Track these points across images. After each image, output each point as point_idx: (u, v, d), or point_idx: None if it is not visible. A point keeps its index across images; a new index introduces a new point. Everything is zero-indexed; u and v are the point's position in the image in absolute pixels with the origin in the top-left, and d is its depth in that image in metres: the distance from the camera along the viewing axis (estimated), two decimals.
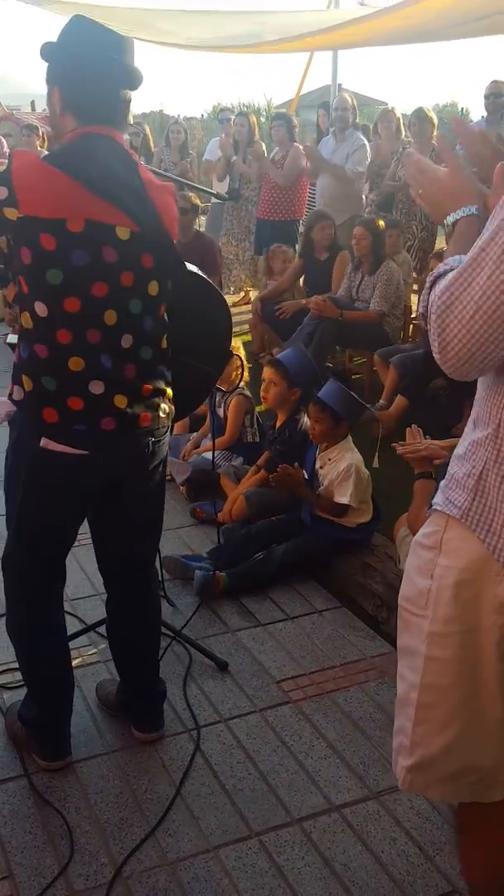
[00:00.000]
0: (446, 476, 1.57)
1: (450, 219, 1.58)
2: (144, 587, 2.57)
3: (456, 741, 1.56)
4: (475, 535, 1.47)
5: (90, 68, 2.09)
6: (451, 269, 1.43)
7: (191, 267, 2.43)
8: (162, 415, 2.28)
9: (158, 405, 2.26)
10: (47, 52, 2.13)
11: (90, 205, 2.01)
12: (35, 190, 1.97)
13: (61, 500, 2.28)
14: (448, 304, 1.36)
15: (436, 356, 1.42)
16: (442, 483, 1.58)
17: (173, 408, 2.33)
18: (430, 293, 1.45)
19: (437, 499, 1.57)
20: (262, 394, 4.07)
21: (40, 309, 2.05)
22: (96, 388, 2.12)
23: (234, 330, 2.73)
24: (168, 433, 2.36)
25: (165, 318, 2.27)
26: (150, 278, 2.16)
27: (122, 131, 2.18)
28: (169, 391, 2.30)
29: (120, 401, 2.16)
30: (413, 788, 1.65)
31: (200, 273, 2.48)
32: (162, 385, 2.27)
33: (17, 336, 2.19)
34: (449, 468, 1.57)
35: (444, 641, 1.52)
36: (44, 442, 2.14)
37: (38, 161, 2.04)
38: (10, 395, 2.19)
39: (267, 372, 4.03)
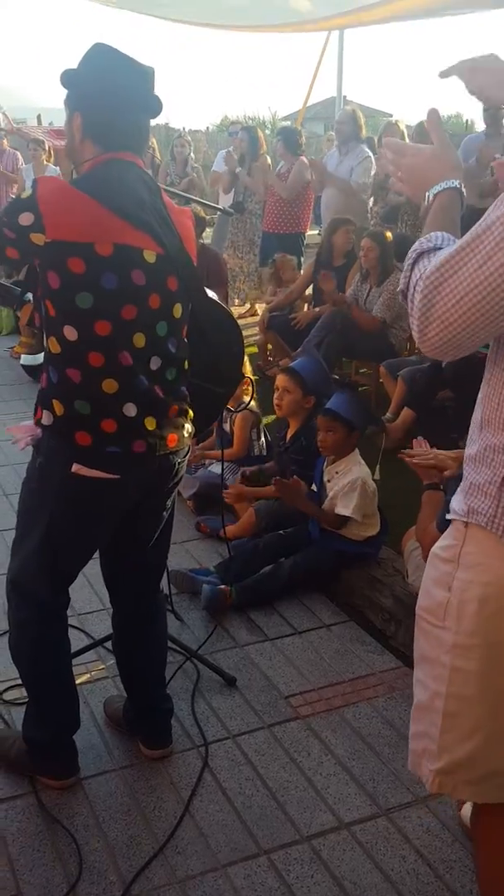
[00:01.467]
0: (463, 482, 1.56)
1: (432, 191, 1.58)
2: (152, 603, 2.56)
3: (482, 748, 1.58)
4: (501, 543, 1.47)
5: (112, 96, 2.11)
6: (435, 248, 1.44)
7: (208, 291, 2.46)
8: (185, 434, 2.30)
9: (183, 426, 2.29)
10: (68, 78, 2.15)
11: (118, 228, 2.03)
12: (62, 214, 1.99)
13: (90, 523, 2.28)
14: (437, 284, 1.37)
15: (415, 334, 1.44)
16: (459, 490, 1.57)
17: (192, 428, 2.36)
18: (411, 270, 1.45)
19: (457, 506, 1.56)
20: (275, 402, 4.06)
21: (69, 332, 2.06)
22: (130, 410, 2.14)
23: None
24: (188, 453, 2.39)
25: (186, 339, 2.29)
26: (175, 301, 2.19)
27: (142, 156, 2.20)
28: (191, 412, 2.33)
29: (150, 423, 2.18)
30: (442, 790, 1.67)
31: (216, 297, 2.51)
32: (185, 406, 2.30)
33: (32, 357, 2.21)
34: (465, 473, 1.57)
35: (468, 654, 1.53)
36: (76, 468, 2.14)
37: (64, 186, 2.06)
38: (37, 420, 2.20)
39: (281, 380, 4.03)
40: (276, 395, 4.07)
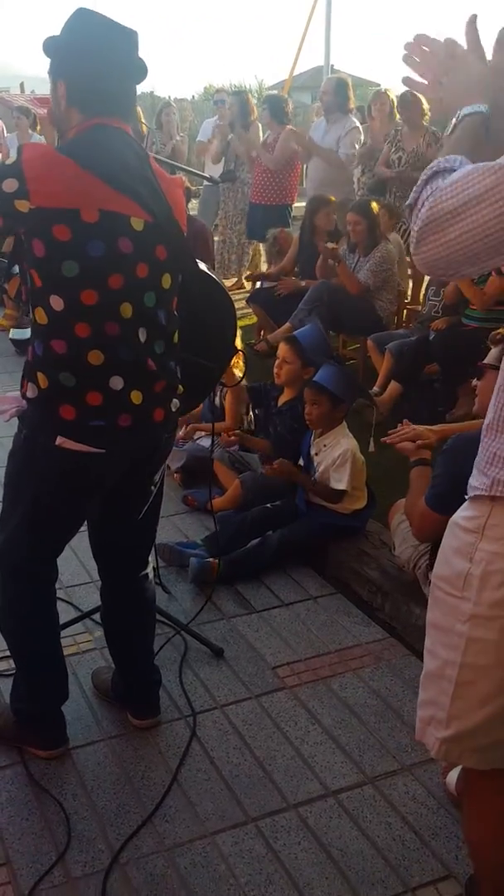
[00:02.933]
0: (486, 455, 1.54)
1: (463, 111, 1.54)
2: (140, 576, 2.56)
3: (494, 717, 1.59)
4: None
5: (96, 61, 2.07)
6: (452, 169, 1.42)
7: (200, 263, 2.43)
8: (173, 409, 2.27)
9: (170, 400, 2.26)
10: (51, 46, 2.10)
11: (104, 195, 1.99)
12: (46, 181, 1.95)
13: (75, 496, 2.27)
14: (439, 201, 1.37)
15: (412, 251, 1.44)
16: (476, 465, 1.56)
17: (180, 403, 2.33)
18: (424, 186, 1.44)
19: (479, 482, 1.54)
20: (275, 370, 4.06)
21: (56, 302, 2.02)
22: (116, 383, 2.11)
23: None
24: (175, 428, 2.37)
25: (175, 312, 2.26)
26: (163, 271, 2.15)
27: (130, 123, 2.16)
28: (180, 387, 2.29)
29: (136, 397, 2.15)
30: (447, 758, 1.70)
31: (208, 270, 2.47)
32: (173, 381, 2.26)
33: (21, 331, 2.18)
34: (486, 447, 1.54)
35: (489, 624, 1.54)
36: (60, 440, 2.12)
37: (49, 151, 2.02)
38: (23, 393, 2.17)
39: (282, 349, 4.03)
40: (276, 364, 4.08)
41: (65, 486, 2.23)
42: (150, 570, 2.61)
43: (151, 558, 2.62)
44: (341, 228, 6.22)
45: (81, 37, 2.08)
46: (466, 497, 1.58)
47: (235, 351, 2.57)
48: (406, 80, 1.66)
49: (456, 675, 1.60)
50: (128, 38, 2.10)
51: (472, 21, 1.58)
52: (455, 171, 1.41)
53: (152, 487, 2.42)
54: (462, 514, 1.59)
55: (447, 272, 1.43)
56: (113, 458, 2.20)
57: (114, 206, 2.01)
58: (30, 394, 2.14)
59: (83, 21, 2.09)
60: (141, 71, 2.14)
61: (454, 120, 1.56)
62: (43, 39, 2.11)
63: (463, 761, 1.72)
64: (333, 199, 6.37)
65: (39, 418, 2.14)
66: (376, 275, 5.53)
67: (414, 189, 1.46)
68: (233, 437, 4.09)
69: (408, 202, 1.48)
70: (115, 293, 2.06)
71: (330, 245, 5.66)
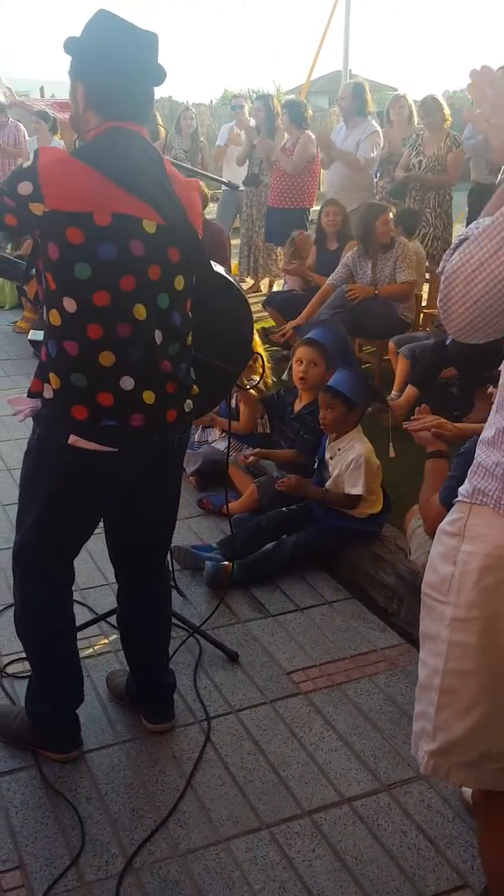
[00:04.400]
0: (473, 464, 1.56)
1: None
2: (156, 579, 2.56)
3: (478, 726, 1.57)
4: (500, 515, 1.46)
5: (113, 63, 2.07)
6: None
7: (215, 265, 2.42)
8: (187, 410, 2.27)
9: (184, 401, 2.26)
10: (72, 46, 2.11)
11: (116, 198, 2.00)
12: (60, 184, 1.96)
13: (88, 496, 2.27)
14: (455, 267, 1.39)
15: (441, 318, 1.46)
16: (469, 471, 1.56)
17: (194, 404, 2.33)
18: (452, 253, 1.45)
19: (464, 489, 1.56)
20: (300, 374, 4.02)
21: (69, 304, 2.04)
22: (127, 383, 2.11)
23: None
24: (190, 429, 2.37)
25: (190, 314, 2.26)
26: (176, 273, 2.15)
27: (146, 126, 2.16)
28: (195, 388, 2.29)
29: (148, 397, 2.15)
30: (435, 774, 1.66)
31: (223, 271, 2.47)
32: (187, 381, 2.27)
33: (39, 333, 2.18)
34: (477, 455, 1.56)
35: (467, 627, 1.53)
36: (72, 439, 2.13)
37: (64, 156, 2.04)
38: (33, 393, 2.19)
39: (307, 352, 4.01)
40: (301, 368, 4.03)
41: (78, 485, 2.23)
42: (166, 572, 2.61)
43: (167, 561, 2.62)
44: (354, 231, 6.20)
45: (99, 38, 2.09)
46: (453, 501, 1.59)
47: (252, 353, 2.56)
48: (466, 115, 1.61)
49: (440, 683, 1.58)
50: (146, 40, 2.11)
51: None
52: None
53: (169, 490, 2.42)
54: (448, 518, 1.60)
55: (477, 336, 1.44)
56: (125, 457, 2.20)
57: (126, 209, 2.02)
58: (45, 394, 2.15)
59: (102, 23, 2.10)
60: (159, 74, 2.14)
61: (501, 174, 1.54)
62: (65, 39, 2.11)
63: (451, 778, 1.68)
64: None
65: (52, 418, 2.16)
66: (413, 268, 5.49)
67: (443, 259, 1.48)
68: (251, 459, 4.05)
69: (438, 270, 1.49)
70: (128, 295, 2.07)
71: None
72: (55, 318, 2.07)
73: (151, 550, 2.53)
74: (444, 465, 2.82)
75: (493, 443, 1.51)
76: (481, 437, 1.56)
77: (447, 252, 1.48)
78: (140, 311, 2.09)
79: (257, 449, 4.12)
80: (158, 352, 2.16)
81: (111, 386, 2.10)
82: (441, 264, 1.48)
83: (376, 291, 5.52)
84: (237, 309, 2.51)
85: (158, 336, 2.15)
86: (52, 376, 2.11)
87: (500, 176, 1.53)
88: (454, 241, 1.47)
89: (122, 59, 2.08)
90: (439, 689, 1.59)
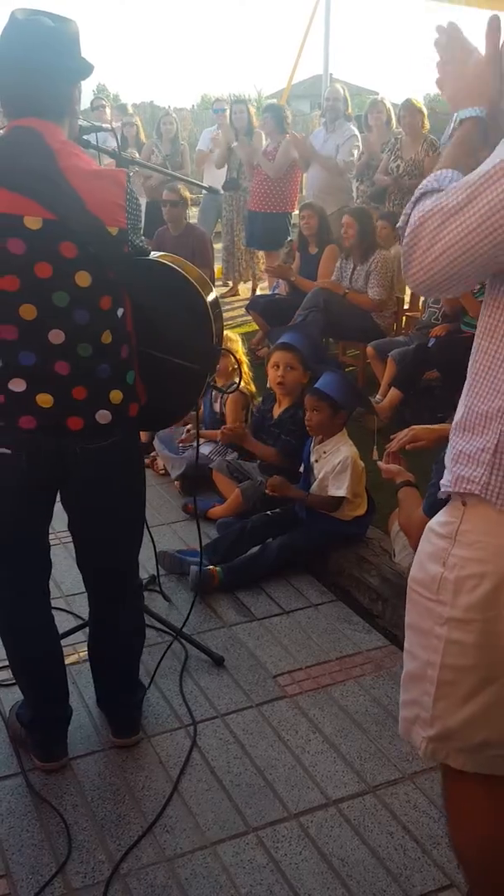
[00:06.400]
0: (451, 453, 1.55)
1: (459, 115, 1.55)
2: (118, 606, 2.49)
3: (477, 716, 1.59)
4: (494, 509, 1.47)
5: (7, 64, 2.04)
6: (440, 188, 1.44)
7: (158, 256, 2.30)
8: (102, 421, 2.15)
9: (95, 410, 2.15)
10: None
11: None
12: None
13: (3, 500, 2.22)
14: (422, 221, 1.40)
15: (403, 270, 1.47)
16: (447, 460, 1.57)
17: (131, 410, 2.23)
18: (413, 206, 1.46)
19: (446, 480, 1.55)
20: (277, 378, 4.03)
21: None
22: (17, 385, 2.06)
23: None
24: (124, 439, 2.23)
25: (115, 310, 2.14)
26: (75, 269, 2.05)
27: (57, 121, 2.08)
28: (117, 393, 2.17)
29: (43, 399, 2.08)
30: (435, 757, 1.68)
31: (171, 263, 2.30)
32: (105, 387, 2.15)
33: None
34: (452, 445, 1.55)
35: (466, 627, 1.54)
36: None
37: None
38: None
39: (283, 357, 4.02)
40: (278, 373, 4.03)
41: None
42: (133, 598, 2.55)
43: (152, 566, 2.61)
44: (333, 234, 6.24)
45: (1, 41, 2.05)
46: (439, 496, 1.59)
47: (219, 351, 2.44)
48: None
49: (437, 675, 1.60)
50: (53, 37, 2.04)
51: (492, 23, 1.56)
52: (443, 189, 1.43)
53: (104, 507, 2.31)
54: (437, 519, 1.61)
55: (437, 291, 1.46)
56: (21, 460, 2.14)
57: (2, 208, 1.97)
58: None
59: (7, 24, 2.05)
60: (70, 69, 2.08)
61: (452, 125, 1.57)
62: None
63: (450, 761, 1.71)
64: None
65: None
66: (384, 287, 5.55)
67: (403, 211, 1.49)
68: (231, 429, 4.04)
69: (398, 224, 1.50)
70: (11, 295, 2.01)
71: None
72: None
73: (108, 576, 2.46)
74: (415, 492, 2.83)
75: (470, 427, 1.51)
76: (454, 422, 1.56)
77: (407, 205, 1.49)
78: (28, 312, 2.03)
79: (239, 425, 4.12)
80: (58, 353, 2.07)
81: (1, 387, 2.06)
82: (402, 217, 1.49)
83: (346, 292, 5.62)
84: (189, 302, 2.32)
85: (57, 336, 2.07)
86: None
87: (448, 129, 1.56)
88: (416, 192, 1.48)
89: (16, 59, 2.03)
90: (437, 680, 1.60)
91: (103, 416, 2.16)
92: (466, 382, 1.54)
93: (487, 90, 1.55)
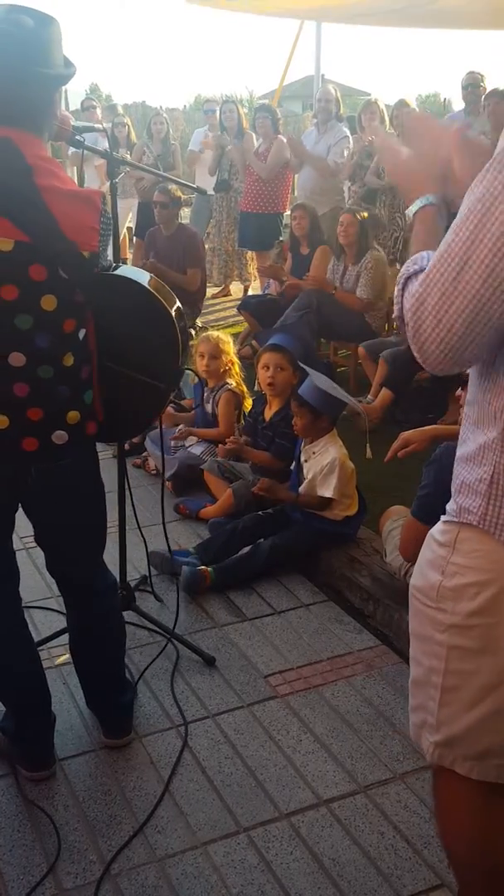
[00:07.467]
0: (456, 482, 1.57)
1: (410, 210, 1.58)
2: (87, 611, 2.48)
3: (482, 722, 1.59)
4: (493, 538, 1.48)
5: None
6: (421, 270, 1.43)
7: (127, 273, 2.27)
8: (58, 441, 2.13)
9: (51, 431, 2.12)
10: None
11: None
12: None
13: None
14: (420, 302, 1.37)
15: (417, 357, 1.43)
16: (453, 488, 1.58)
17: (88, 429, 2.21)
18: (402, 295, 1.45)
19: (450, 507, 1.57)
20: (268, 379, 4.03)
21: None
22: None
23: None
24: (80, 457, 2.23)
25: (78, 332, 2.12)
26: (42, 292, 2.01)
27: (36, 132, 2.02)
28: (74, 414, 2.15)
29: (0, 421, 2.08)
30: (441, 762, 1.69)
31: (140, 281, 2.28)
32: (62, 408, 2.13)
33: None
34: (458, 474, 1.57)
35: (468, 633, 1.55)
36: None
37: None
38: None
39: (273, 358, 4.02)
40: (267, 374, 4.04)
41: None
42: (107, 591, 2.52)
43: (143, 567, 2.61)
44: (325, 235, 6.25)
45: None
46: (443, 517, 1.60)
47: (184, 370, 2.40)
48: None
49: (441, 681, 1.61)
50: (31, 40, 1.95)
51: (411, 119, 1.63)
52: (424, 269, 1.41)
53: (56, 524, 2.32)
54: (438, 528, 1.62)
55: (462, 363, 1.41)
56: None
57: None
58: None
59: None
60: (47, 77, 1.98)
61: (410, 217, 1.60)
62: None
63: (457, 768, 1.72)
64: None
65: None
66: (374, 287, 5.56)
67: (395, 302, 1.47)
68: (231, 444, 4.07)
69: (394, 315, 1.49)
70: None
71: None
72: None
73: (72, 583, 2.45)
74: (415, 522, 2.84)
75: (473, 459, 1.52)
76: (459, 454, 1.57)
77: (395, 293, 1.47)
78: None
79: (235, 437, 4.13)
80: (17, 375, 2.05)
81: None
82: (395, 308, 1.47)
83: (334, 290, 5.64)
84: (160, 322, 2.28)
85: (17, 359, 2.04)
86: None
87: (411, 207, 1.58)
88: (399, 280, 1.47)
89: None
90: (441, 686, 1.61)
91: (59, 436, 2.14)
92: (475, 417, 1.54)
93: (427, 178, 1.58)
